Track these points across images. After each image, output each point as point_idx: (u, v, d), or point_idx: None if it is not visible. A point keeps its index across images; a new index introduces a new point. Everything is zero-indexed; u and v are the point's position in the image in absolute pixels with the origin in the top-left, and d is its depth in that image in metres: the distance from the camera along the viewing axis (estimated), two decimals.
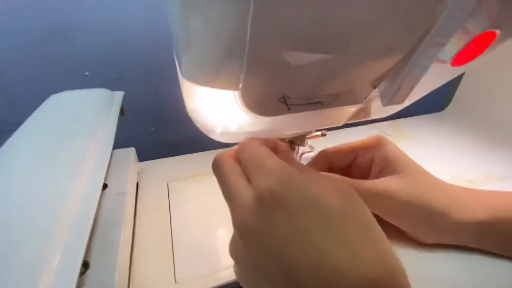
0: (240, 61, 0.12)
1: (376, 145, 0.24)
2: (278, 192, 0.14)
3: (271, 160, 0.15)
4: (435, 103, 0.53)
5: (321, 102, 0.17)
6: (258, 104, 0.15)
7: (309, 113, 0.18)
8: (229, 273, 0.21)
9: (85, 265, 0.18)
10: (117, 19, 0.42)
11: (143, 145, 0.46)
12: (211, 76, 0.14)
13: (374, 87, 0.18)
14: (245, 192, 0.15)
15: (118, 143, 0.36)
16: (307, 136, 0.27)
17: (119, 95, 0.40)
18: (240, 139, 0.21)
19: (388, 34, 0.13)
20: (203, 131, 0.19)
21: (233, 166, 0.16)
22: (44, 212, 0.19)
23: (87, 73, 0.47)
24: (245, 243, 0.14)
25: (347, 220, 0.14)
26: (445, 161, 0.38)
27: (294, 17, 0.11)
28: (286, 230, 0.13)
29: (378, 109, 0.21)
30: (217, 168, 0.17)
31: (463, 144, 0.41)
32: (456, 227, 0.21)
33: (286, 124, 0.20)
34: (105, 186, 0.24)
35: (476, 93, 0.49)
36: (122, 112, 0.41)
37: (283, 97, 0.16)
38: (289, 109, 0.17)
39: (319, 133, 0.28)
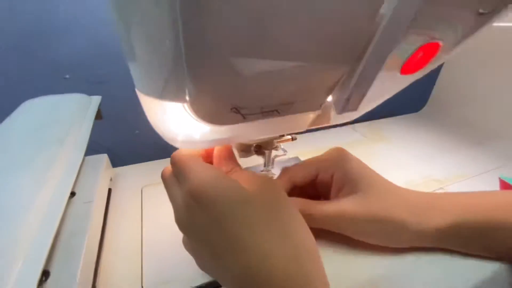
0: (184, 74, 0.13)
1: (336, 161, 0.24)
2: (194, 194, 0.16)
3: (190, 166, 0.18)
4: (413, 103, 0.54)
5: (276, 111, 0.18)
6: (209, 115, 0.16)
7: (270, 120, 0.19)
8: (196, 279, 0.22)
9: (46, 274, 0.18)
10: (97, 20, 0.41)
11: (128, 148, 0.46)
12: (158, 89, 0.14)
13: (328, 95, 0.18)
14: (178, 198, 0.18)
15: (102, 147, 0.36)
16: (277, 140, 0.28)
17: (96, 99, 0.39)
18: (202, 146, 0.21)
19: (328, 45, 0.14)
20: (165, 139, 0.20)
21: (169, 176, 0.20)
22: (6, 221, 0.19)
23: (67, 76, 0.46)
24: (185, 235, 0.18)
25: (254, 209, 0.16)
26: (417, 162, 0.39)
27: (227, 29, 0.11)
28: (204, 222, 0.16)
29: (338, 115, 0.22)
30: (162, 180, 0.21)
31: (437, 144, 0.43)
32: (416, 237, 0.21)
33: (247, 131, 0.20)
34: (73, 194, 0.24)
35: (451, 94, 0.50)
36: (100, 116, 0.40)
37: (235, 108, 0.16)
38: (244, 118, 0.17)
39: (289, 137, 0.29)
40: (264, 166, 0.32)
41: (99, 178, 0.27)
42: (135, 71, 0.15)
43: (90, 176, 0.27)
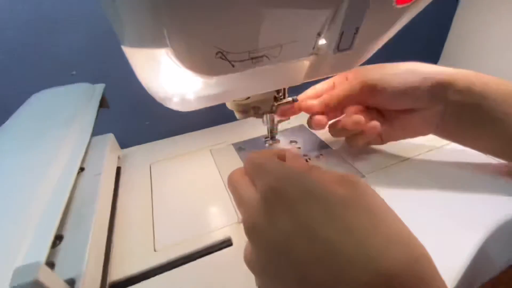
0: (162, 14, 0.13)
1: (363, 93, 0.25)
2: (277, 187, 0.14)
3: (270, 162, 0.16)
4: (424, 61, 0.51)
5: (265, 56, 0.17)
6: (195, 61, 0.15)
7: (262, 70, 0.18)
8: (203, 240, 0.22)
9: (59, 238, 0.19)
10: (101, 13, 0.41)
11: (139, 139, 0.46)
12: (139, 36, 0.14)
13: (319, 35, 0.17)
14: (252, 195, 0.16)
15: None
16: (278, 103, 0.27)
17: (99, 87, 0.40)
18: (197, 106, 0.21)
19: None
20: (158, 100, 0.20)
21: (241, 177, 0.18)
22: (19, 192, 0.20)
23: (74, 72, 0.47)
24: (254, 244, 0.15)
25: (351, 210, 0.13)
26: None
27: None
28: (289, 224, 0.13)
29: (336, 62, 0.21)
30: (229, 182, 0.18)
31: None
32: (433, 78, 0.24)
33: (240, 85, 0.20)
34: (82, 169, 0.25)
35: (463, 48, 0.47)
36: (106, 105, 0.41)
37: (220, 52, 0.15)
38: (233, 66, 0.17)
39: (289, 98, 0.28)
40: (268, 133, 0.31)
41: (106, 153, 0.27)
42: (117, 24, 0.15)
43: (97, 153, 0.28)
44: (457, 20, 0.48)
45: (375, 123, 0.25)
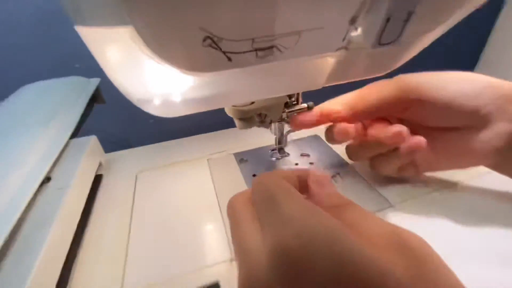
0: None
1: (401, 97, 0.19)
2: (295, 251, 0.10)
3: (288, 200, 0.11)
4: (461, 68, 0.46)
5: (276, 47, 0.12)
6: (170, 49, 0.11)
7: (270, 67, 0.13)
8: (184, 282, 0.17)
9: None
10: None
11: (144, 137, 0.43)
12: (93, 8, 0.10)
13: (352, 22, 0.12)
14: (256, 247, 0.11)
15: (114, 136, 0.33)
16: (289, 110, 0.22)
17: (94, 81, 0.37)
18: (184, 111, 0.16)
19: None
20: (134, 102, 0.15)
21: (246, 210, 0.13)
22: None
23: (77, 65, 0.45)
24: None
25: None
26: None
27: None
28: None
29: (371, 60, 0.16)
30: (229, 209, 0.14)
31: None
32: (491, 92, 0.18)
33: (241, 86, 0.15)
34: (49, 179, 0.21)
35: (505, 55, 0.41)
36: (102, 100, 0.38)
37: (210, 38, 0.11)
38: (229, 59, 0.12)
39: (304, 105, 0.23)
40: (276, 144, 0.26)
41: (80, 162, 0.23)
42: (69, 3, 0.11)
43: (71, 160, 0.23)
44: (499, 26, 0.42)
45: (421, 139, 0.19)
